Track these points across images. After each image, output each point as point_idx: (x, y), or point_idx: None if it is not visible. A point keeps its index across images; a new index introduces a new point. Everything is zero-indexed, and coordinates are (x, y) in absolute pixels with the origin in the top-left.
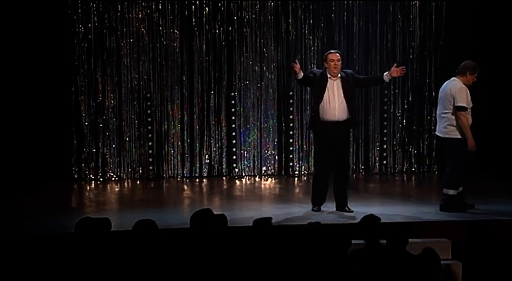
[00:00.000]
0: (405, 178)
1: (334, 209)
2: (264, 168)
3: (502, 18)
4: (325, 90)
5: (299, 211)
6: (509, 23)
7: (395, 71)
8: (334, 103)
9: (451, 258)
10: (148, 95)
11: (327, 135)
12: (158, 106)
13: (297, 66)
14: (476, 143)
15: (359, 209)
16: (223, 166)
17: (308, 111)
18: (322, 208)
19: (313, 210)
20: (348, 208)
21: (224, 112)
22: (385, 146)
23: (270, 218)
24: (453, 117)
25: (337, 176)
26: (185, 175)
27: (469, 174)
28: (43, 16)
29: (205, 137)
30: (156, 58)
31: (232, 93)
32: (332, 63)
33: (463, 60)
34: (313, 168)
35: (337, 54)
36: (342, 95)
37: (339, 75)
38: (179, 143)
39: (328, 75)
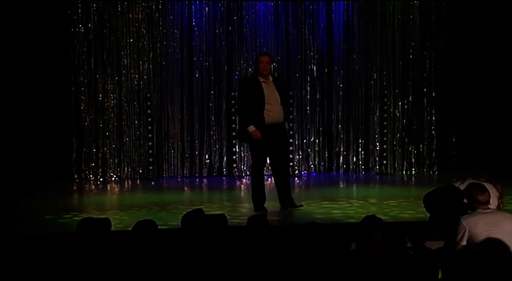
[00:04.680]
0: (405, 178)
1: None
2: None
3: (502, 18)
4: (264, 95)
5: (299, 210)
6: (509, 23)
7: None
8: (275, 106)
9: None
10: (148, 95)
11: (270, 138)
12: (158, 106)
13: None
14: None
15: (359, 210)
16: (223, 166)
17: (308, 112)
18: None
19: (262, 211)
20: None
21: (224, 112)
22: (385, 146)
23: (265, 215)
24: None
25: (283, 175)
26: (185, 175)
27: None
28: (43, 16)
29: (205, 137)
30: (156, 58)
31: (232, 93)
32: (261, 65)
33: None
34: (250, 171)
35: (267, 57)
36: (278, 97)
37: (270, 78)
38: (179, 143)
39: (261, 80)
